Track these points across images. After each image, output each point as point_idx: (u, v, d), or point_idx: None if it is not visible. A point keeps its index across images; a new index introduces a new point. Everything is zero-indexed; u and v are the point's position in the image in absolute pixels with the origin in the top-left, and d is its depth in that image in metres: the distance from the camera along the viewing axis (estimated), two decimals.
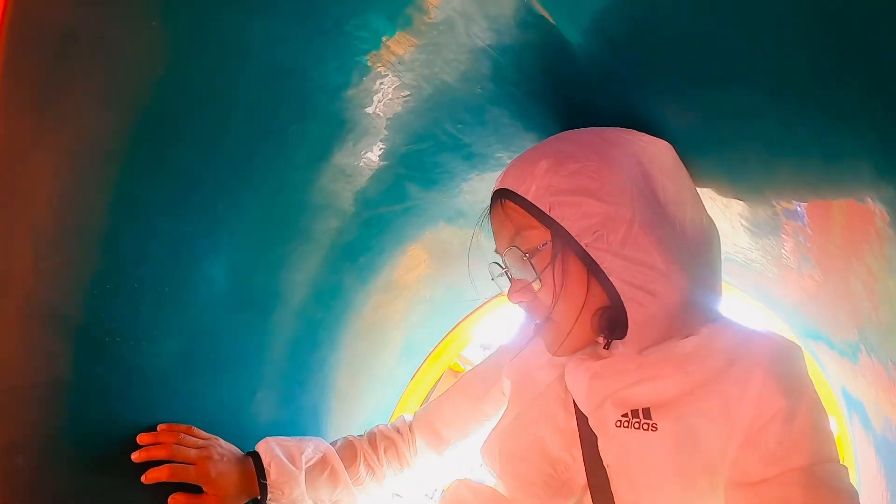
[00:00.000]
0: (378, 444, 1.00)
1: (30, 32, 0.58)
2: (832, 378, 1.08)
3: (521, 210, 0.70)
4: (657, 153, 0.72)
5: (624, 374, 0.71)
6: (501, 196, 0.73)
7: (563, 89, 0.80)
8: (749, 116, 0.68)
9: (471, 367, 1.05)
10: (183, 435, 0.81)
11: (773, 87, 0.62)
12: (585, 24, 0.68)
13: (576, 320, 0.70)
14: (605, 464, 0.70)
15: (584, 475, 0.72)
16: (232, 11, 0.68)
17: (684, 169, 0.75)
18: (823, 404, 0.64)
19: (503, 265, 0.76)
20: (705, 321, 0.71)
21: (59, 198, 0.67)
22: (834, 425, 1.10)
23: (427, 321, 1.38)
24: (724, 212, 0.88)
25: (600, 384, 0.73)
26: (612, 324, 0.70)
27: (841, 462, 0.62)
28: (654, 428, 0.67)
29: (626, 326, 0.69)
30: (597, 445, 0.71)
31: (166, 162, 0.74)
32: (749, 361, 0.65)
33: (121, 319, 0.75)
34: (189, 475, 0.78)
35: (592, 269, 0.67)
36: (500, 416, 0.89)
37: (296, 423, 1.08)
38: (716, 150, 0.78)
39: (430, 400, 1.04)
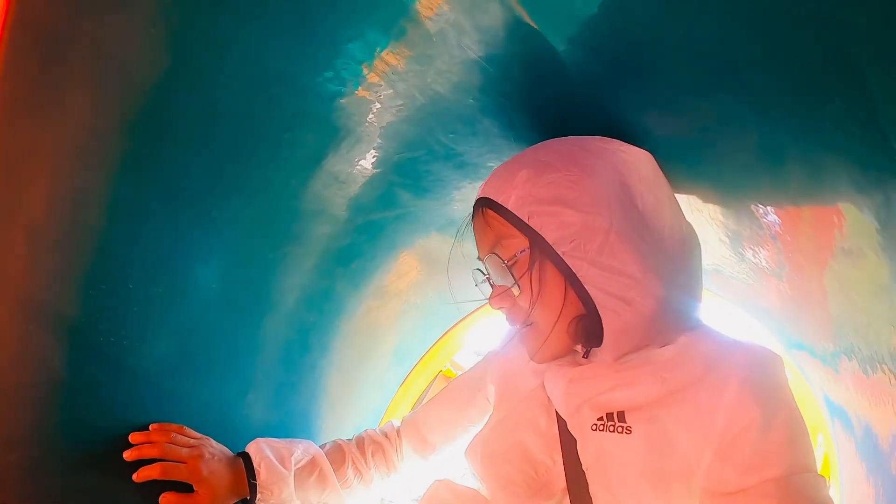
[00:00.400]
0: (366, 448, 1.01)
1: (28, 36, 0.60)
2: (815, 387, 1.09)
3: (501, 219, 0.72)
4: (636, 162, 0.74)
5: (601, 380, 0.72)
6: (482, 205, 0.74)
7: (552, 99, 0.82)
8: (733, 126, 0.69)
9: (460, 374, 1.06)
10: (175, 434, 0.82)
11: (758, 99, 0.63)
12: (572, 34, 0.69)
13: (553, 325, 0.71)
14: (583, 467, 0.71)
15: (564, 478, 0.73)
16: (227, 19, 0.70)
17: (664, 178, 0.77)
18: (801, 415, 0.64)
19: (485, 272, 0.78)
20: (684, 329, 0.72)
21: (56, 199, 0.68)
22: (821, 440, 1.12)
23: (417, 327, 1.39)
24: (711, 223, 0.90)
25: (577, 389, 0.74)
26: (589, 332, 0.71)
27: (818, 472, 0.61)
28: (629, 431, 0.68)
29: (603, 335, 0.70)
30: (576, 449, 0.72)
31: (160, 165, 0.75)
32: (725, 370, 0.65)
33: (115, 320, 0.76)
34: (181, 473, 0.79)
35: (570, 277, 0.68)
36: (485, 422, 0.90)
37: (286, 425, 1.09)
38: (699, 158, 0.80)
39: (419, 405, 1.05)
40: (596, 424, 0.70)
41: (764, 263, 0.90)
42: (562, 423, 0.75)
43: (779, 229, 0.79)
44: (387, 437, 1.04)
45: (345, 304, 1.14)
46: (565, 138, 0.77)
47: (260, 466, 0.86)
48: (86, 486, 0.75)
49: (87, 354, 0.75)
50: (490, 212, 0.73)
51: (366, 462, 0.99)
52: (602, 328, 0.69)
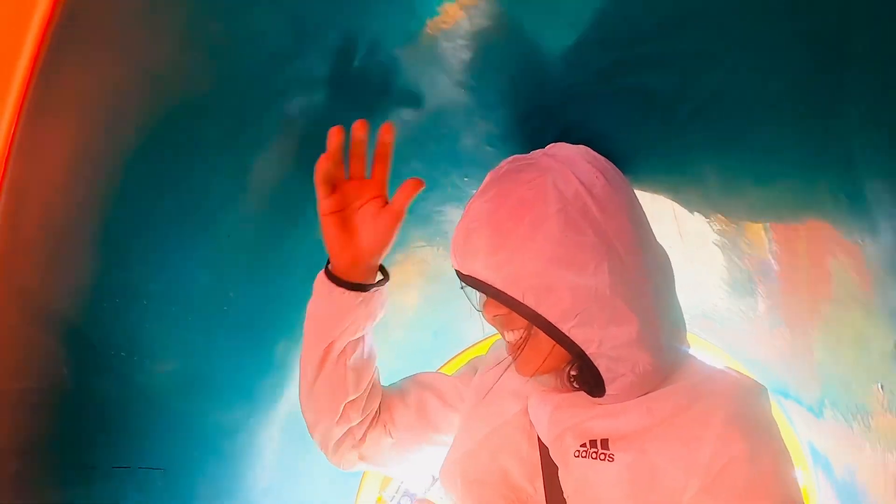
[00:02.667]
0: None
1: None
2: (801, 434, 1.12)
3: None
4: (583, 188, 0.68)
5: (586, 408, 0.72)
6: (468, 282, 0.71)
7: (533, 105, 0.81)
8: (727, 141, 0.71)
9: (445, 376, 0.99)
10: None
11: (755, 115, 0.66)
12: (559, 42, 0.68)
13: (545, 359, 0.70)
14: (564, 495, 0.70)
15: None
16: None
17: (621, 194, 0.72)
18: (786, 446, 0.64)
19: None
20: (673, 367, 0.71)
21: (75, 206, 0.69)
22: (800, 475, 1.14)
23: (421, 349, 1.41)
24: (701, 270, 0.93)
25: (562, 416, 0.73)
26: (589, 384, 0.70)
27: None
28: (611, 458, 0.67)
29: (601, 387, 0.68)
30: (558, 477, 0.72)
31: (173, 176, 0.75)
32: (712, 401, 0.65)
33: (127, 335, 0.78)
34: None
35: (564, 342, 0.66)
36: (451, 437, 0.87)
37: (298, 449, 1.09)
38: (690, 170, 0.81)
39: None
40: (579, 451, 0.69)
41: (756, 313, 0.93)
42: (544, 450, 0.75)
43: (772, 276, 0.82)
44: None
45: None
46: (510, 183, 0.71)
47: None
48: (87, 499, 0.76)
49: (96, 367, 0.76)
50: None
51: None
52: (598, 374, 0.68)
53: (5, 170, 0.61)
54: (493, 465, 0.77)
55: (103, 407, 0.78)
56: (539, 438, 0.75)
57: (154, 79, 0.68)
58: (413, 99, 0.81)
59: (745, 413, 0.64)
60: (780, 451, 0.63)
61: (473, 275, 0.69)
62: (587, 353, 0.66)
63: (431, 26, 0.69)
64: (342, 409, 0.84)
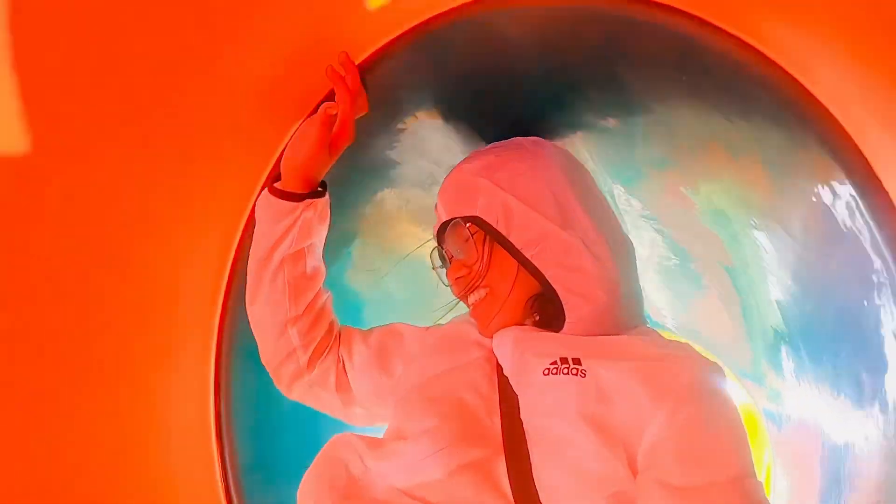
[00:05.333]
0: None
1: None
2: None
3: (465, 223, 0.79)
4: (578, 165, 0.86)
5: (551, 337, 0.75)
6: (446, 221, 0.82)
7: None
8: None
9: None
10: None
11: None
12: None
13: (510, 290, 0.77)
14: (524, 426, 0.69)
15: (501, 435, 0.70)
16: None
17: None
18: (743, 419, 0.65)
19: (443, 251, 0.86)
20: (634, 325, 0.77)
21: None
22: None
23: None
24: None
25: (527, 342, 0.75)
26: (549, 315, 0.76)
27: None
28: (583, 374, 0.67)
29: (561, 319, 0.74)
30: (517, 410, 0.71)
31: None
32: (678, 363, 0.67)
33: None
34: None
35: (527, 264, 0.75)
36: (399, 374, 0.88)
37: None
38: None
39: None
40: (549, 369, 0.69)
41: None
42: (503, 385, 0.74)
43: None
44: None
45: None
46: (504, 142, 0.86)
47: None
48: None
49: None
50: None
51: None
52: (559, 311, 0.74)
53: None
54: (452, 396, 0.74)
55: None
56: (499, 375, 0.76)
57: None
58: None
59: (707, 382, 0.66)
60: (740, 423, 0.65)
61: (458, 215, 0.79)
62: (547, 275, 0.74)
63: None
64: (283, 326, 0.86)
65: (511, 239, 0.76)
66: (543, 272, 0.74)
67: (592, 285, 0.73)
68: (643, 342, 0.72)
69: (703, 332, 1.18)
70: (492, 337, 0.79)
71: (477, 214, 0.78)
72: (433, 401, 0.74)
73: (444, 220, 0.83)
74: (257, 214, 0.86)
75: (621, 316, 0.76)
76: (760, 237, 0.89)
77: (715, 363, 0.69)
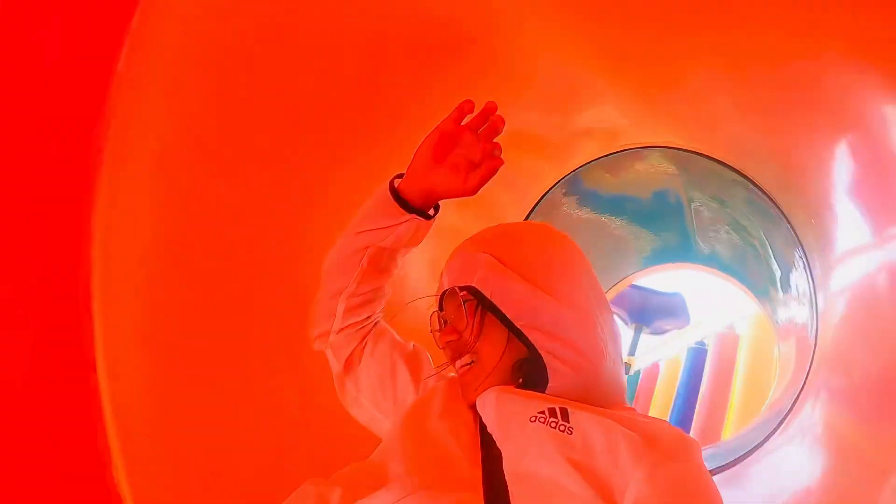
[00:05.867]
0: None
1: None
2: None
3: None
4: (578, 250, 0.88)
5: (537, 395, 0.76)
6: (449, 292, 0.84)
7: None
8: None
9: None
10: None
11: None
12: None
13: (498, 361, 0.80)
14: (506, 472, 0.70)
15: (481, 483, 0.70)
16: None
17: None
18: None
19: (440, 320, 0.88)
20: (613, 403, 0.79)
21: None
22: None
23: None
24: None
25: (513, 395, 0.77)
26: (533, 378, 0.78)
27: None
28: (570, 431, 0.69)
29: (544, 384, 0.77)
30: (499, 463, 0.71)
31: None
32: (659, 427, 0.71)
33: None
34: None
35: (519, 336, 0.78)
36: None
37: None
38: None
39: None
40: (536, 416, 0.71)
41: None
42: (486, 439, 0.76)
43: None
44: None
45: None
46: (513, 222, 0.90)
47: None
48: None
49: None
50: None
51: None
52: (544, 377, 0.77)
53: None
54: (437, 444, 0.77)
55: None
56: (481, 431, 0.78)
57: None
58: None
59: (685, 448, 0.70)
60: (716, 489, 0.68)
61: (457, 284, 0.82)
62: (533, 340, 0.77)
63: None
64: (338, 292, 0.93)
65: (503, 309, 0.79)
66: (531, 338, 0.78)
67: (577, 355, 0.77)
68: (624, 414, 0.74)
69: None
70: (475, 402, 0.81)
71: (473, 284, 0.81)
72: (413, 441, 0.77)
73: (445, 288, 0.86)
74: (374, 192, 0.91)
75: (601, 390, 0.79)
76: None
77: (692, 439, 0.72)
